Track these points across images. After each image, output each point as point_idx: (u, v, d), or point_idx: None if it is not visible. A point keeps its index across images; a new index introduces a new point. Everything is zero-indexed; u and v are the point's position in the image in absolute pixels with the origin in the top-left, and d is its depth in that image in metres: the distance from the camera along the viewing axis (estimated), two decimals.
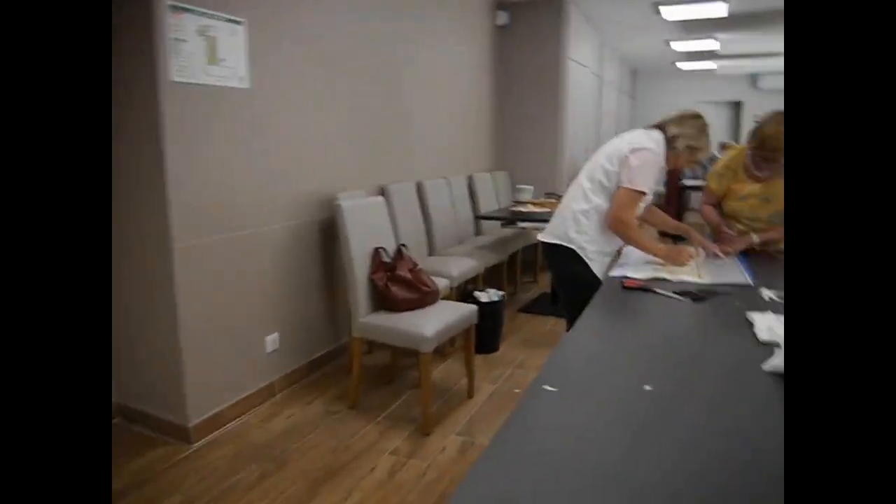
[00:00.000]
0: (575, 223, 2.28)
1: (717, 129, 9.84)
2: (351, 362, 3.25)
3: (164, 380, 2.53)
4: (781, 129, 2.14)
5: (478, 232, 4.96)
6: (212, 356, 2.59)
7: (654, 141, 2.21)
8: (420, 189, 4.11)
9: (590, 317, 1.68)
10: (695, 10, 5.67)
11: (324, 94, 3.15)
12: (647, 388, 1.18)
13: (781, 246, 2.42)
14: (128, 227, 2.47)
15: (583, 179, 2.31)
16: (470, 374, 2.93)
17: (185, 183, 2.40)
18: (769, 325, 1.50)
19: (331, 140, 3.24)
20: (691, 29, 6.74)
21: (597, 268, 2.29)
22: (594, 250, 2.28)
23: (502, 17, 5.46)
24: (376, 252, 2.77)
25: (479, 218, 4.37)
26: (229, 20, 2.57)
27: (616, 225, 2.20)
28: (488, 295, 3.51)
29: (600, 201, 2.24)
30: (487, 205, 5.04)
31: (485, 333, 3.35)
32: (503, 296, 3.54)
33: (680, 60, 9.26)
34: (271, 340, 2.91)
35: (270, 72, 2.78)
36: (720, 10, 5.64)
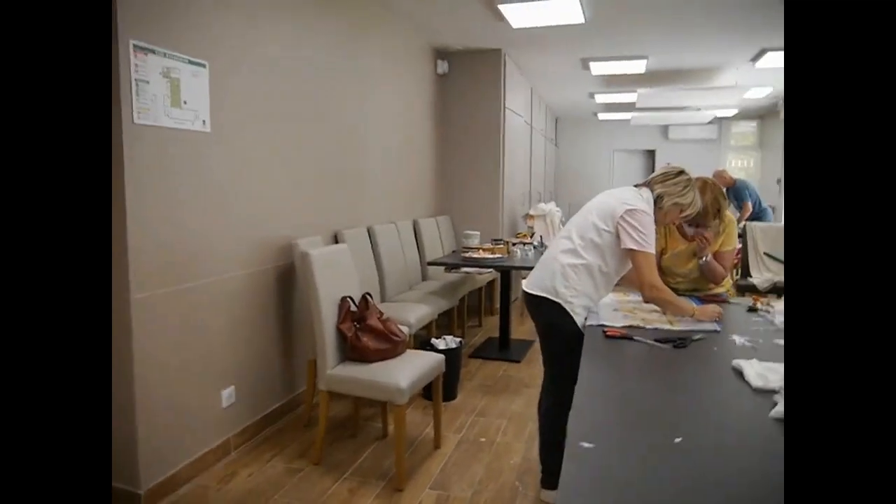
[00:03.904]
0: (563, 278, 2.27)
1: (634, 175, 10.48)
2: (308, 414, 3.13)
3: (115, 441, 2.31)
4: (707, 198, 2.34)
5: (424, 277, 4.96)
6: (166, 413, 2.40)
7: (644, 200, 2.22)
8: (371, 234, 4.07)
9: (588, 368, 1.71)
10: (619, 66, 6.16)
11: (278, 141, 3.10)
12: (678, 440, 1.22)
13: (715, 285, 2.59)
14: None
15: (573, 234, 2.29)
16: (437, 424, 2.87)
17: (144, 230, 2.27)
18: (759, 373, 1.59)
19: (285, 186, 3.17)
20: (613, 83, 7.27)
21: (580, 320, 2.31)
22: (580, 304, 2.28)
23: (442, 66, 5.62)
24: (343, 301, 2.70)
25: (430, 264, 4.37)
26: (192, 62, 2.50)
27: (650, 291, 2.17)
28: (446, 342, 3.50)
29: (591, 259, 2.25)
30: (433, 250, 5.06)
31: (443, 382, 3.31)
32: (461, 342, 3.53)
33: (600, 111, 9.86)
34: (227, 394, 2.74)
35: (229, 117, 2.71)
36: (640, 67, 6.14)
